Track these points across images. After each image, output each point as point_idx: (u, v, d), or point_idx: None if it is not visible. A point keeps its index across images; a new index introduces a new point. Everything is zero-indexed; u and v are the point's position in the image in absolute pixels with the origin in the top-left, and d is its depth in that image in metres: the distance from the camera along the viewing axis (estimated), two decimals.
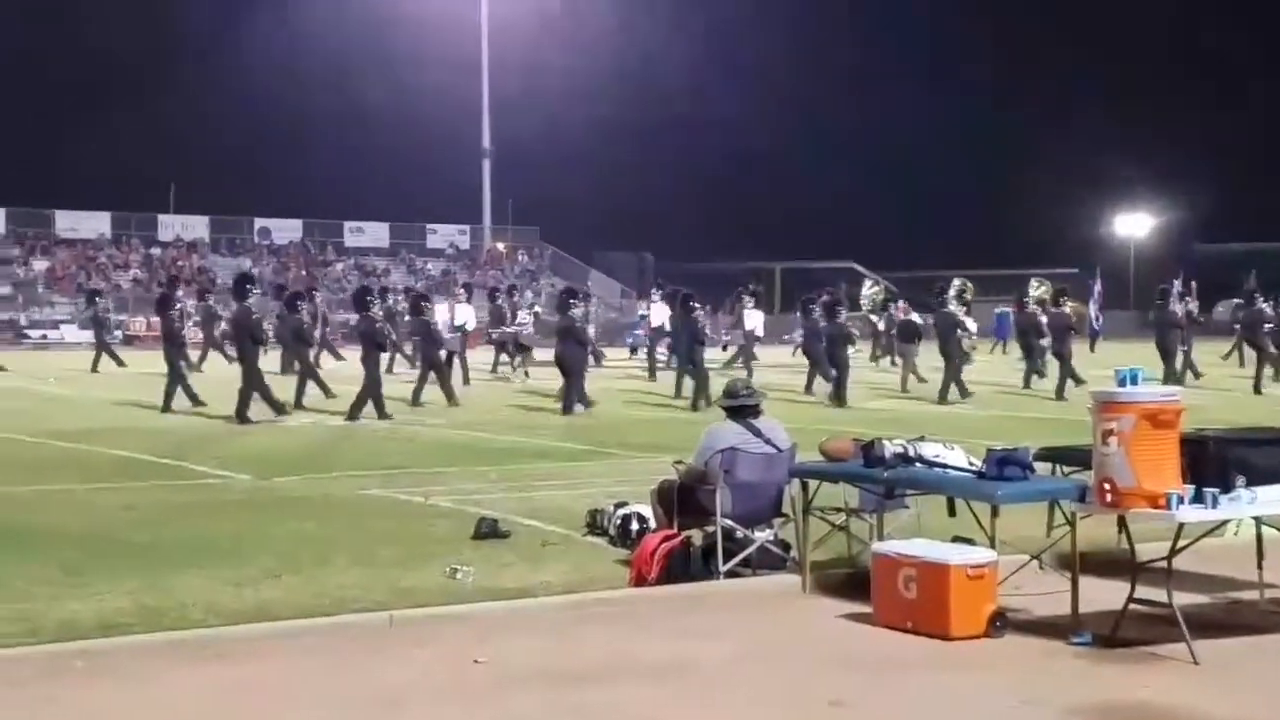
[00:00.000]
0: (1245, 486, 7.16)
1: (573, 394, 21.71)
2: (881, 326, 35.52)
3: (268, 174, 76.12)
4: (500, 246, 71.59)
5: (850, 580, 8.57)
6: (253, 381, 20.26)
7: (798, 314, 31.11)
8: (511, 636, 7.65)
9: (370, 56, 79.05)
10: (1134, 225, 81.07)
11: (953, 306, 25.56)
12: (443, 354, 24.52)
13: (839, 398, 23.44)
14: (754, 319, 31.94)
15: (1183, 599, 7.36)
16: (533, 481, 13.72)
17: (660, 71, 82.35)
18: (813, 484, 8.78)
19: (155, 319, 54.12)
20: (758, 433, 9.19)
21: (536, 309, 33.06)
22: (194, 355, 29.00)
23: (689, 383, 23.95)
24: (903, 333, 28.84)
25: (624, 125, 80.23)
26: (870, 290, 36.29)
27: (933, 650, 7.33)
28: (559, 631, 7.79)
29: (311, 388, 22.68)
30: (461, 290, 34.51)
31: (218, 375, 26.45)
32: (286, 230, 68.67)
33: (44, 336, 49.45)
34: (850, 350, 24.94)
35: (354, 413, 20.47)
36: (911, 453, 8.42)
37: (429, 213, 72.01)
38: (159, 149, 73.58)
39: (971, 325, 26.41)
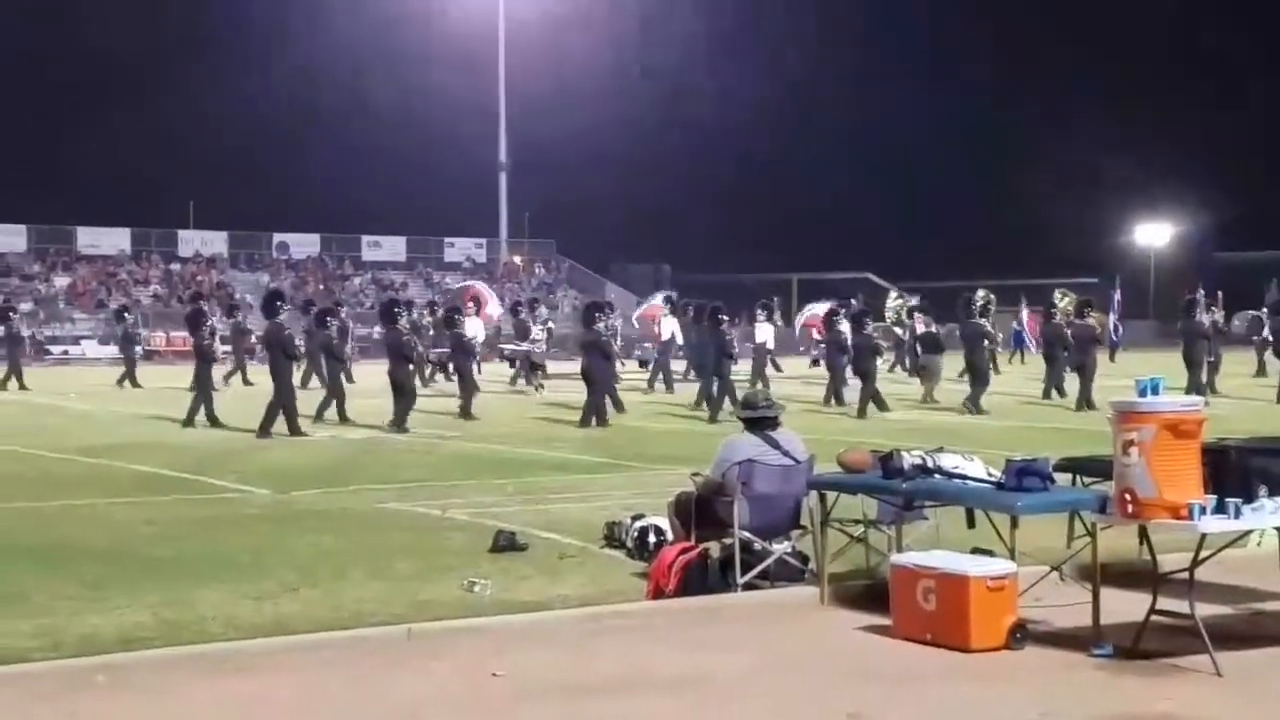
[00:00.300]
0: (1268, 496, 7.12)
1: (592, 408, 21.77)
2: (906, 338, 35.55)
3: (286, 189, 76.38)
4: (517, 260, 71.68)
5: (869, 592, 8.54)
6: (283, 397, 20.37)
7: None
8: (529, 649, 7.63)
9: (387, 71, 79.31)
10: (1154, 234, 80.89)
11: (979, 318, 25.64)
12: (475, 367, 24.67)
13: (865, 409, 23.52)
14: (764, 332, 32.10)
15: (1205, 610, 7.31)
16: (550, 494, 13.72)
17: (677, 84, 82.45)
18: (831, 495, 8.76)
19: (177, 334, 54.63)
20: (775, 444, 9.16)
21: (550, 324, 32.95)
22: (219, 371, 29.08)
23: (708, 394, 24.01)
24: (925, 344, 28.80)
25: (640, 138, 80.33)
26: (895, 302, 36.30)
27: (952, 662, 7.29)
28: (576, 644, 7.78)
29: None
30: (471, 304, 34.58)
31: (239, 392, 26.54)
32: (305, 245, 68.87)
33: (65, 352, 49.56)
34: (878, 362, 24.91)
35: (400, 423, 20.69)
36: (930, 464, 8.39)
37: (446, 226, 72.18)
38: (179, 166, 73.95)
39: (999, 337, 26.54)
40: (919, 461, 8.38)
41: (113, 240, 64.60)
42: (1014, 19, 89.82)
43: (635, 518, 10.33)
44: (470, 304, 33.86)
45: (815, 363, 36.88)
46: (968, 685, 6.98)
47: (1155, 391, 7.03)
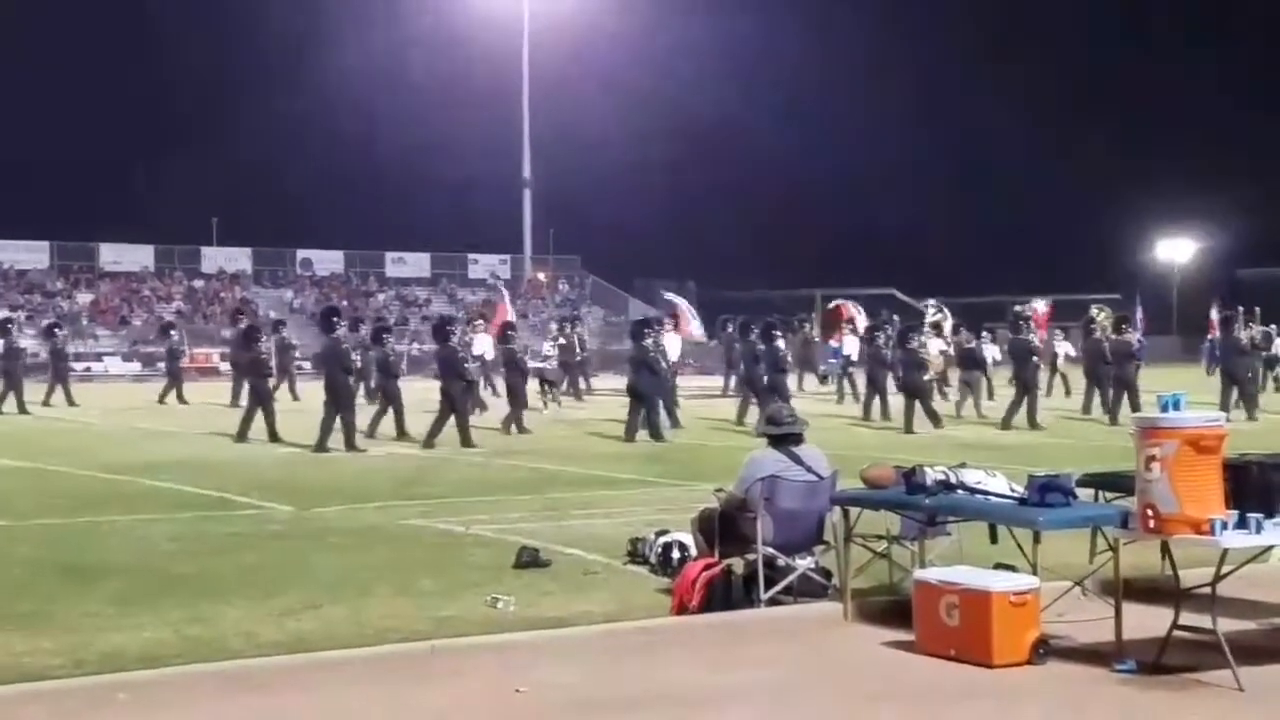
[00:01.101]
0: None
1: (636, 422, 21.94)
2: (951, 352, 35.52)
3: (309, 205, 76.73)
4: (540, 276, 71.78)
5: (892, 608, 8.53)
6: (342, 412, 20.53)
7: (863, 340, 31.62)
8: (552, 666, 7.64)
9: (410, 87, 79.59)
10: (1176, 250, 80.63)
11: (1027, 334, 25.69)
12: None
13: (912, 423, 23.58)
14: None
15: (1227, 625, 7.28)
16: (574, 510, 13.73)
17: (700, 101, 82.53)
18: (854, 511, 8.76)
19: (200, 351, 54.81)
20: (799, 460, 9.16)
21: (561, 341, 32.84)
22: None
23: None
24: (965, 360, 28.79)
25: (664, 154, 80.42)
26: (933, 317, 36.30)
27: (975, 678, 7.28)
28: (599, 661, 7.78)
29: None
30: (480, 320, 34.78)
31: (287, 407, 26.60)
32: (328, 261, 69.11)
33: (88, 369, 49.76)
34: (924, 376, 25.04)
35: (461, 436, 20.82)
36: (953, 479, 8.38)
37: (470, 243, 72.37)
38: (202, 182, 74.23)
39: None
40: (942, 477, 8.38)
41: (135, 257, 64.92)
42: (1035, 34, 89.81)
43: (659, 533, 10.33)
44: (480, 321, 33.78)
45: (824, 379, 36.96)
46: (991, 701, 6.97)
47: (1177, 407, 7.03)
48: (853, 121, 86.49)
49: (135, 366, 51.73)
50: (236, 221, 69.65)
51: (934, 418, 23.89)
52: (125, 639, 8.17)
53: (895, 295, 72.13)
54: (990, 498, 8.25)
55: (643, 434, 21.89)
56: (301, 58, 78.63)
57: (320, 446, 20.23)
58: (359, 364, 22.66)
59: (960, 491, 8.32)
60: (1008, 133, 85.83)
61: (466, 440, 20.85)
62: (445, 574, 10.15)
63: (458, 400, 21.21)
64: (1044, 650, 7.47)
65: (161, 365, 37.01)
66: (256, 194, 76.21)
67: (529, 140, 69.32)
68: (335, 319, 22.30)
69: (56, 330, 36.09)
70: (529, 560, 10.35)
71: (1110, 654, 7.48)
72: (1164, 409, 7.04)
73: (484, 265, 71.81)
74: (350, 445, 20.36)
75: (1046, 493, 7.86)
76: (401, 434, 22.27)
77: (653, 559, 10.11)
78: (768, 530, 8.91)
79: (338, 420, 20.45)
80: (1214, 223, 79.00)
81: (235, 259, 67.06)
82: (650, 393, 22.41)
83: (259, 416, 22.25)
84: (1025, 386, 24.37)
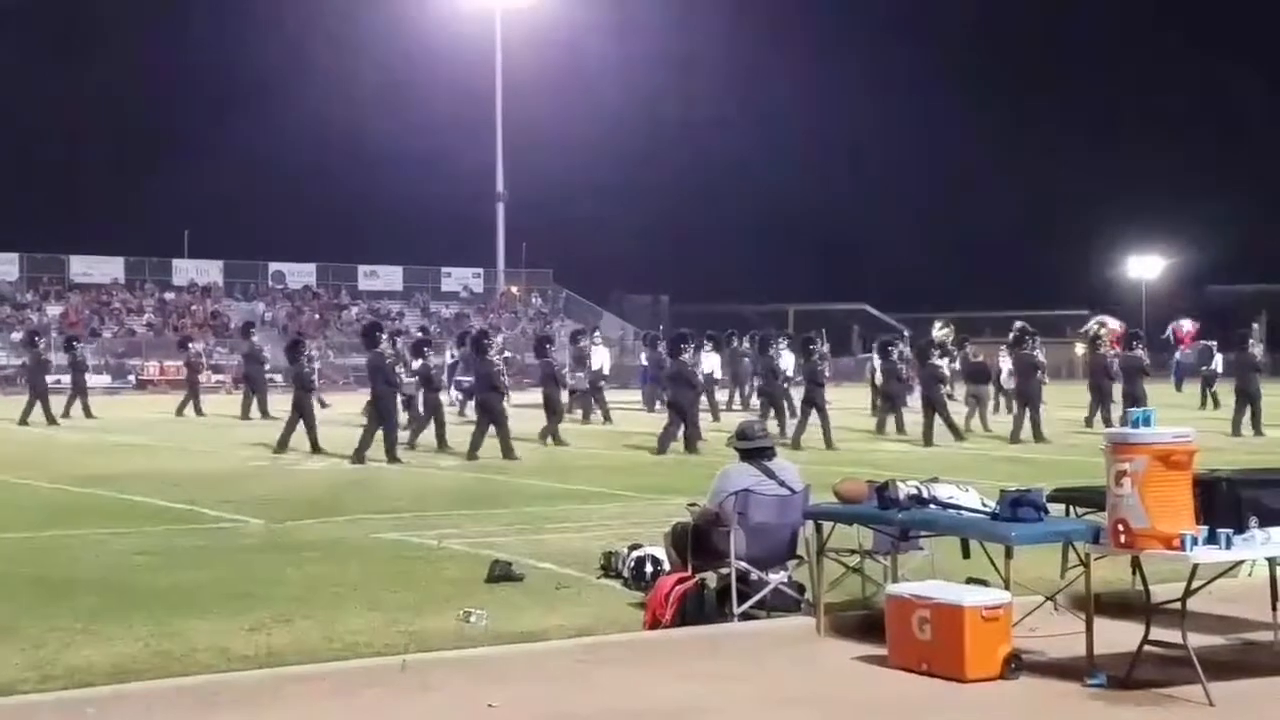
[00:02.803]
0: (1259, 527, 7.15)
1: (670, 436, 22.19)
2: (957, 367, 35.66)
3: (281, 218, 76.59)
4: (514, 290, 71.75)
5: (865, 622, 8.54)
6: (386, 424, 20.78)
7: (874, 355, 32.03)
8: (525, 680, 7.63)
9: (384, 100, 79.58)
10: (1145, 267, 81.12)
11: (1030, 349, 25.94)
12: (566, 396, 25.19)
13: (923, 435, 23.89)
14: (785, 360, 32.50)
15: (1197, 640, 7.32)
16: (547, 524, 13.71)
17: (674, 115, 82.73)
18: (827, 525, 8.77)
19: (170, 363, 54.56)
20: (772, 474, 9.18)
21: (507, 353, 32.66)
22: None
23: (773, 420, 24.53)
24: (973, 374, 28.93)
25: (638, 168, 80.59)
26: (941, 332, 36.50)
27: (947, 692, 7.30)
28: (572, 675, 7.77)
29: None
30: (597, 332, 35.64)
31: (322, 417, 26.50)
32: (300, 274, 68.95)
33: (58, 381, 49.41)
34: (943, 390, 25.31)
35: (501, 449, 21.07)
36: (925, 494, 8.41)
37: (443, 256, 72.34)
38: (174, 195, 74.07)
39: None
40: (914, 492, 8.40)
41: (106, 269, 64.64)
42: (1005, 54, 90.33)
43: (632, 547, 10.33)
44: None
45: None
46: (963, 715, 6.98)
47: (1148, 423, 7.06)
48: (828, 138, 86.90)
49: (105, 379, 51.43)
50: (208, 234, 69.51)
51: (955, 431, 24.32)
52: (94, 653, 8.11)
53: (868, 310, 72.39)
54: (962, 512, 8.27)
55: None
56: (274, 71, 78.56)
57: (359, 455, 20.44)
58: (403, 378, 22.97)
59: (932, 506, 8.35)
60: (980, 150, 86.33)
61: (505, 451, 21.12)
62: (417, 588, 10.11)
63: (498, 414, 21.50)
64: (1016, 665, 7.49)
65: (132, 378, 36.98)
66: (228, 206, 76.10)
67: (502, 154, 69.36)
68: (379, 333, 22.75)
69: (75, 343, 36.06)
70: (501, 574, 10.32)
71: (1081, 668, 7.51)
72: (1134, 425, 7.08)
73: (457, 278, 71.78)
74: (391, 457, 20.59)
75: (1018, 507, 7.89)
76: (442, 446, 22.60)
77: (626, 573, 10.10)
78: (740, 544, 8.91)
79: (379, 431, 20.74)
80: (1183, 239, 79.56)
81: (206, 271, 66.83)
82: (689, 407, 22.70)
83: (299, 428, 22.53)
84: (1029, 399, 24.73)
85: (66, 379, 35.59)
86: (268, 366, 36.60)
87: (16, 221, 65.79)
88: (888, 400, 26.80)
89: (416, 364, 24.22)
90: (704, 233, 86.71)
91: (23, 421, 30.67)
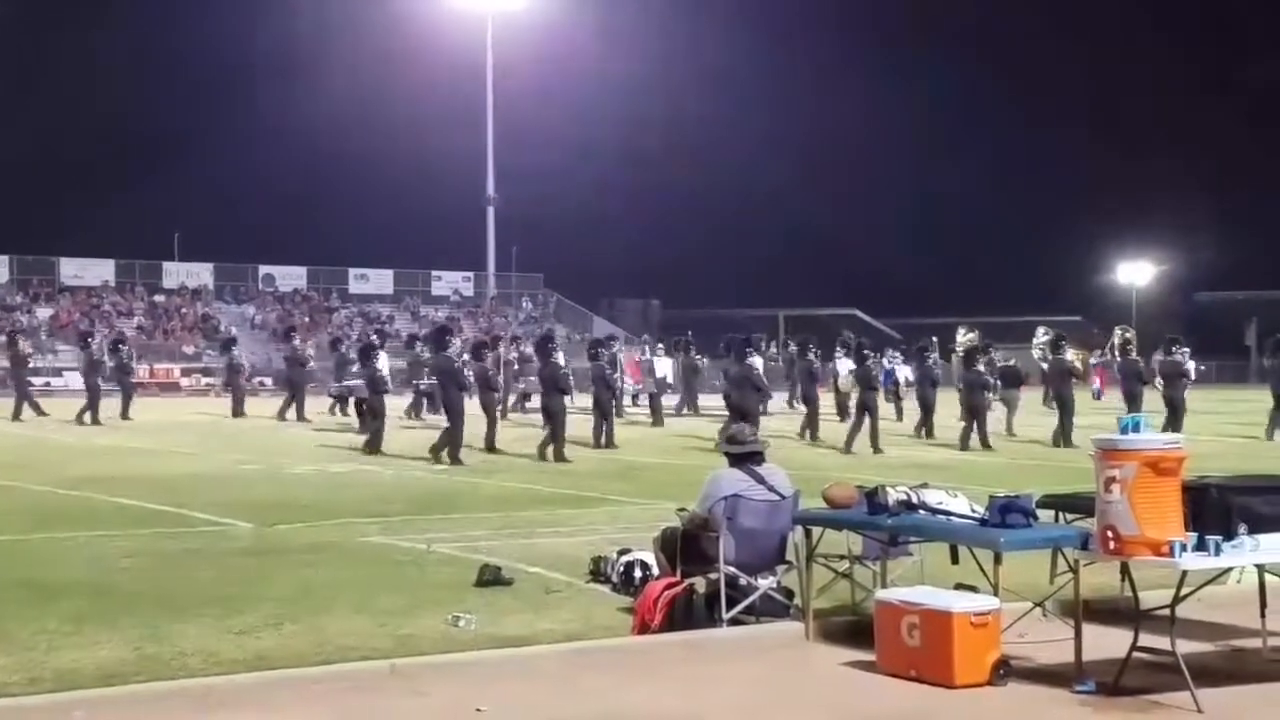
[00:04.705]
0: (1248, 534, 7.15)
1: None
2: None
3: (272, 221, 76.57)
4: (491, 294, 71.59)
5: (854, 628, 8.54)
6: (457, 426, 21.30)
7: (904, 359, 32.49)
8: (513, 684, 7.62)
9: (374, 104, 79.54)
10: (1135, 274, 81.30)
11: (1065, 353, 26.33)
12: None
13: (979, 441, 24.20)
14: (664, 366, 33.57)
15: (1186, 647, 7.33)
16: (536, 528, 13.70)
17: (665, 120, 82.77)
18: (816, 531, 8.77)
19: (161, 366, 54.53)
20: (761, 480, 9.17)
21: (465, 356, 32.66)
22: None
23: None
24: (1005, 378, 29.04)
25: (628, 173, 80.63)
26: (965, 337, 36.64)
27: (936, 698, 7.30)
28: (561, 679, 7.76)
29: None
30: (660, 345, 36.38)
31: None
32: (291, 278, 68.93)
33: (47, 384, 49.35)
34: (988, 397, 25.56)
35: (549, 451, 21.65)
36: (914, 500, 8.41)
37: (433, 260, 72.34)
38: (165, 197, 73.99)
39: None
40: (903, 497, 8.40)
41: (96, 271, 64.56)
42: (998, 62, 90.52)
43: (621, 552, 10.33)
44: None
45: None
46: None
47: (1137, 429, 7.07)
48: (817, 145, 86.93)
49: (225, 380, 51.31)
50: (199, 237, 69.45)
51: (984, 440, 24.49)
52: (82, 656, 8.10)
53: (858, 315, 72.43)
54: (951, 518, 8.27)
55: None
56: (265, 76, 78.50)
57: (453, 458, 20.95)
58: (472, 379, 23.31)
59: (922, 512, 8.35)
60: (970, 156, 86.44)
61: (549, 450, 21.72)
62: (406, 592, 10.11)
63: (559, 417, 22.01)
64: (1004, 671, 7.49)
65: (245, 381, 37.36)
66: (219, 209, 76.03)
67: (493, 158, 69.34)
68: (448, 337, 23.47)
69: (121, 345, 36.15)
70: (491, 578, 10.31)
71: (1070, 675, 7.51)
72: (1124, 431, 7.08)
73: (447, 282, 71.78)
74: (454, 459, 20.99)
75: (1007, 513, 7.89)
76: (490, 448, 22.92)
77: (615, 578, 10.10)
78: (730, 549, 8.91)
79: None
80: (1173, 247, 79.74)
81: (197, 274, 66.78)
82: (754, 410, 23.19)
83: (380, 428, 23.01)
84: (1064, 403, 25.01)
85: (40, 382, 35.88)
86: (311, 366, 36.88)
87: (6, 223, 65.70)
88: (923, 405, 27.37)
89: (473, 366, 24.53)
90: (694, 237, 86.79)
91: (124, 416, 32.25)
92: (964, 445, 24.12)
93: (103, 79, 78.64)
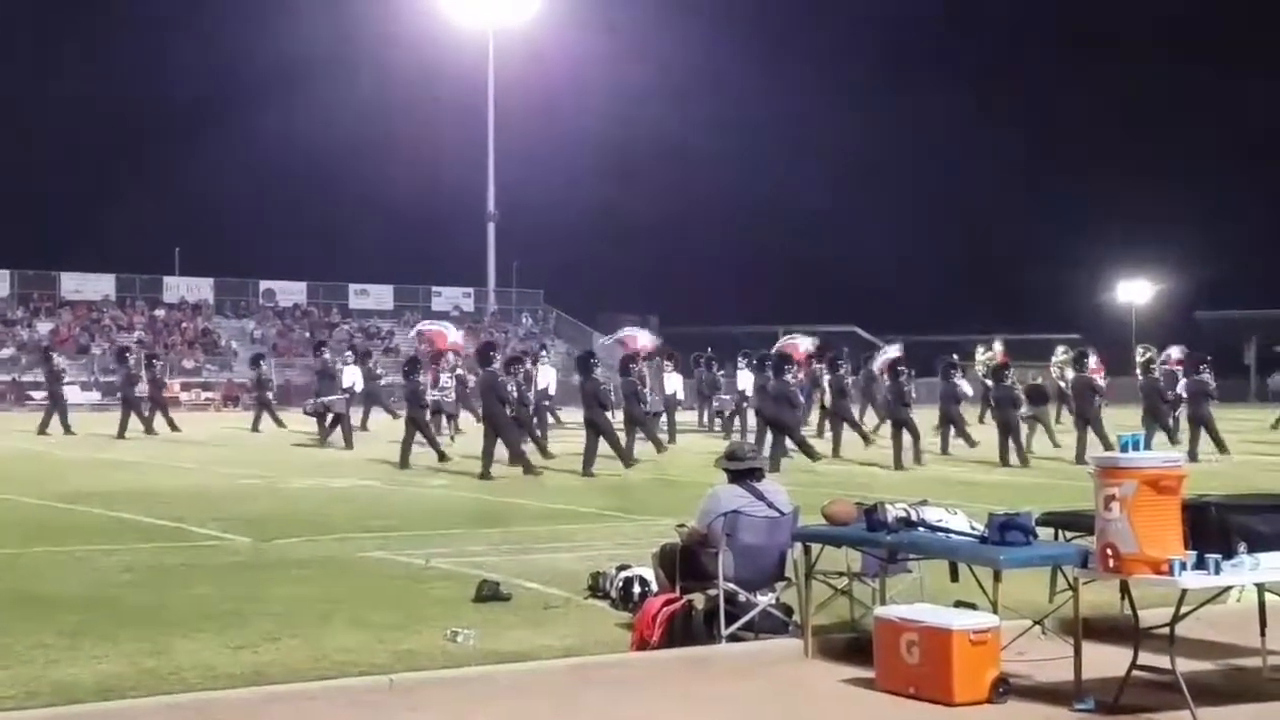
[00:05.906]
0: (1247, 552, 7.15)
1: (779, 453, 22.92)
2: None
3: (272, 237, 76.60)
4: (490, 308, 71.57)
5: (853, 645, 8.53)
6: (506, 439, 21.91)
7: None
8: (512, 700, 7.61)
9: (375, 119, 79.65)
10: (1135, 292, 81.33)
11: (1087, 370, 26.55)
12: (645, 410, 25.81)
13: (1007, 457, 24.45)
14: (673, 383, 34.18)
15: (1186, 665, 7.32)
16: (535, 543, 13.69)
17: (665, 136, 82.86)
18: (815, 548, 8.76)
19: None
20: (760, 496, 9.17)
21: (459, 372, 32.21)
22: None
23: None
24: (1030, 395, 29.08)
25: (628, 189, 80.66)
26: (986, 354, 36.69)
27: (935, 716, 7.29)
28: (559, 695, 7.75)
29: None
30: (350, 352, 36.18)
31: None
32: (291, 293, 68.93)
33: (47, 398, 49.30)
34: (1018, 412, 25.77)
35: (581, 462, 22.13)
36: (914, 517, 8.40)
37: (434, 275, 72.37)
38: (165, 212, 74.05)
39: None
40: (903, 514, 8.39)
41: (97, 286, 64.56)
42: (999, 78, 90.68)
43: (620, 568, 10.31)
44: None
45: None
46: None
47: (1137, 447, 7.07)
48: (818, 161, 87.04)
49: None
50: (199, 251, 69.49)
51: (1022, 454, 24.67)
52: (80, 670, 8.09)
53: (857, 332, 72.42)
54: (951, 535, 8.26)
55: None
56: (265, 90, 78.59)
57: (525, 468, 21.70)
58: (515, 394, 23.64)
59: (921, 529, 8.34)
60: (970, 174, 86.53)
61: (588, 463, 22.01)
62: (405, 607, 10.10)
63: (604, 425, 22.35)
64: (1004, 689, 7.48)
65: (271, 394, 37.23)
66: (220, 224, 76.07)
67: (494, 174, 69.42)
68: (492, 353, 23.82)
69: (155, 360, 36.19)
70: (489, 594, 10.30)
71: (1070, 693, 7.49)
72: (1124, 449, 7.08)
73: (447, 298, 71.77)
74: (523, 464, 21.84)
75: (1007, 531, 7.87)
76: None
77: (614, 594, 10.09)
78: (729, 566, 8.90)
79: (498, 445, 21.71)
80: (1172, 265, 79.79)
81: (197, 289, 66.78)
82: (794, 425, 23.84)
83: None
84: (1086, 420, 25.01)
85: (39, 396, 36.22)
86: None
87: (7, 237, 65.73)
88: (946, 420, 27.56)
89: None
90: (693, 253, 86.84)
91: (148, 431, 32.46)
92: (1004, 461, 24.27)
93: (103, 94, 78.79)
